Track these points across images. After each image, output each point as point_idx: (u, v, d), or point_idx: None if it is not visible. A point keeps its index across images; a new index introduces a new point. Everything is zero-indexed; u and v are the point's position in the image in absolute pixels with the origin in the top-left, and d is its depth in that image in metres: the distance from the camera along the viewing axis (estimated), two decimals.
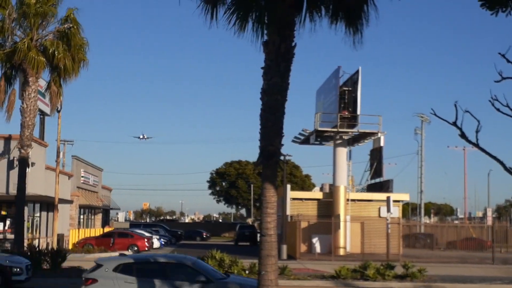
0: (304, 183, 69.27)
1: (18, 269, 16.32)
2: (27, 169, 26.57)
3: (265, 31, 10.64)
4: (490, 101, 8.28)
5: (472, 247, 40.41)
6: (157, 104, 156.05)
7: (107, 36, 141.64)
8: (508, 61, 7.85)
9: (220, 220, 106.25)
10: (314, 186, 58.11)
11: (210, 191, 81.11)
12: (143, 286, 11.62)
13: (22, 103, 25.68)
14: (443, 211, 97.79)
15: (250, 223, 63.83)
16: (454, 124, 8.66)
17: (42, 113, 31.82)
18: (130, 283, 11.39)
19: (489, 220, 50.44)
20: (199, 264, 13.04)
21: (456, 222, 70.76)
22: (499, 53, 8.07)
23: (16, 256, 18.48)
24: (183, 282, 11.80)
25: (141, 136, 71.26)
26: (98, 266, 12.10)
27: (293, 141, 40.25)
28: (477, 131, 8.61)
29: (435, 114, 9.26)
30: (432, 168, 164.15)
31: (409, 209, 65.84)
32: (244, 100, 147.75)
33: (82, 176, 45.03)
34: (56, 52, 25.49)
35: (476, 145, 8.72)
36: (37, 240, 31.18)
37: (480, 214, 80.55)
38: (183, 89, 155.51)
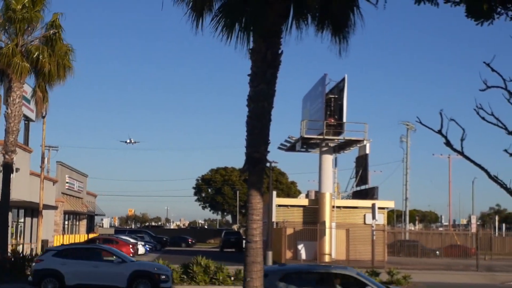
0: (289, 190, 70.02)
1: (164, 277, 17.76)
2: (12, 174, 26.23)
3: (252, 39, 10.62)
4: (475, 109, 8.38)
5: (457, 254, 40.84)
6: (144, 111, 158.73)
7: (94, 43, 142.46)
8: (493, 70, 8.11)
9: (206, 227, 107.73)
10: (299, 193, 58.77)
11: (195, 197, 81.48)
12: None
13: (7, 108, 25.62)
14: (428, 218, 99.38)
15: (236, 229, 64.34)
16: (439, 132, 8.74)
17: (27, 119, 31.86)
18: None
19: (474, 228, 50.90)
20: (363, 275, 13.03)
21: (440, 229, 71.53)
22: (484, 62, 8.28)
23: (161, 264, 20.21)
24: None
25: (128, 141, 71.89)
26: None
27: (279, 148, 40.47)
28: (462, 139, 8.67)
29: (420, 122, 9.32)
30: (417, 176, 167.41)
31: (394, 216, 66.76)
32: (231, 107, 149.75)
33: (67, 182, 45.37)
34: (40, 57, 25.42)
35: (461, 153, 8.82)
36: (21, 246, 31.23)
37: (464, 221, 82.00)
38: (170, 96, 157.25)
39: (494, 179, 8.16)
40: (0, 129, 27.11)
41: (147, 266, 20.35)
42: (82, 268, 18.42)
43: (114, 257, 19.15)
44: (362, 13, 10.49)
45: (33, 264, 19.41)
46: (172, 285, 18.65)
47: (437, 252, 43.59)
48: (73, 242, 38.91)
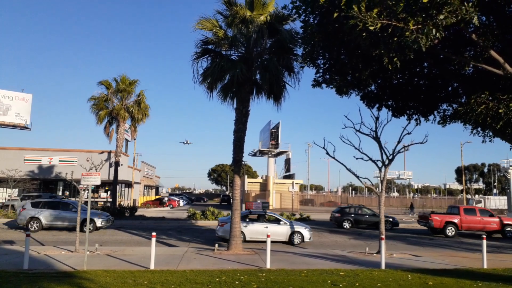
0: (253, 175, 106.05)
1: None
2: (118, 167, 38.34)
3: (235, 102, 16.65)
4: (340, 138, 16.38)
5: (331, 205, 69.12)
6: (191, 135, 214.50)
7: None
8: (348, 119, 20.47)
9: (213, 192, 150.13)
10: (258, 176, 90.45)
11: (208, 178, 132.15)
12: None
13: (117, 134, 37.94)
14: (318, 187, 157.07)
15: (228, 193, 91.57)
16: (323, 148, 16.63)
17: (126, 140, 49.17)
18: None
19: (339, 192, 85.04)
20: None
21: (324, 193, 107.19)
22: (345, 116, 21.00)
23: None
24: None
25: (186, 141, 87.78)
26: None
27: (249, 154, 63.91)
28: (334, 151, 17.14)
29: (314, 143, 18.19)
30: (315, 167, 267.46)
31: (302, 187, 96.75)
32: (227, 134, 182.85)
33: (145, 171, 63.61)
34: (133, 111, 37.87)
35: (333, 157, 16.73)
36: (123, 202, 47.65)
37: (335, 189, 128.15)
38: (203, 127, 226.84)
39: (349, 170, 16.45)
40: (113, 144, 38.90)
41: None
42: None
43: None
44: (289, 92, 16.75)
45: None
46: None
47: (322, 203, 71.44)
48: (146, 200, 57.88)
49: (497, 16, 11.30)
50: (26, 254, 12.26)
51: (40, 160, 46.76)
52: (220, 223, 20.33)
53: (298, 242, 20.33)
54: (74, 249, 15.58)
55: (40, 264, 12.85)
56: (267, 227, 20.18)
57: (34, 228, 23.06)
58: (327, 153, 17.30)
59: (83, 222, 22.06)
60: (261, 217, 21.03)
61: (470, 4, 9.08)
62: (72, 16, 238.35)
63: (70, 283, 10.19)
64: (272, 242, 17.54)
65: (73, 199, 41.38)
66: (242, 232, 19.40)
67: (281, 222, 20.74)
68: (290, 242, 20.28)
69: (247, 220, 20.52)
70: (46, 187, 48.30)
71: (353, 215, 31.20)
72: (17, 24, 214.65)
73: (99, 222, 23.82)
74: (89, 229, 21.77)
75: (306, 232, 20.49)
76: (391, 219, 31.33)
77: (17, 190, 40.18)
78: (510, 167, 52.65)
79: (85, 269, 12.02)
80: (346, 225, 30.74)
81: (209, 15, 16.90)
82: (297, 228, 20.55)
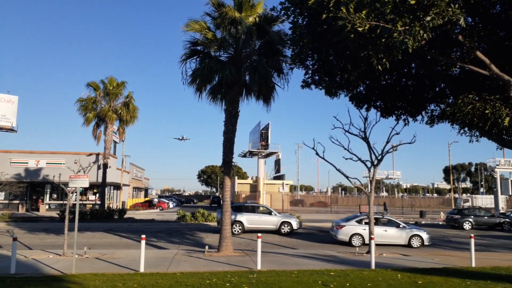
0: (243, 176, 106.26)
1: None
2: (107, 169, 38.61)
3: (224, 104, 16.62)
4: (330, 139, 16.63)
5: (321, 205, 69.58)
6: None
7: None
8: (337, 120, 16.92)
9: (203, 194, 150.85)
10: (248, 177, 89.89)
11: (198, 179, 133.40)
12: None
13: (105, 136, 38.37)
14: (308, 188, 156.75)
15: (218, 195, 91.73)
16: (313, 148, 16.72)
17: (115, 142, 49.59)
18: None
19: (329, 192, 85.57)
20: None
21: (314, 193, 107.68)
22: (334, 116, 21.52)
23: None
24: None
25: (181, 137, 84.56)
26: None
27: (238, 155, 63.98)
28: (323, 152, 17.79)
29: (304, 143, 20.96)
30: (305, 168, 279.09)
31: (293, 188, 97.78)
32: (217, 135, 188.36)
33: (134, 173, 63.61)
34: (121, 113, 38.04)
35: (323, 157, 16.77)
36: (111, 204, 48.21)
37: (325, 189, 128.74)
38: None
39: (339, 170, 16.54)
40: (101, 146, 39.37)
41: None
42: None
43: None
44: (278, 93, 16.91)
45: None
46: None
47: (312, 204, 72.11)
48: (137, 202, 58.38)
49: (483, 17, 11.45)
50: (13, 258, 12.08)
51: (27, 163, 46.37)
52: (337, 225, 20.66)
53: (418, 245, 20.34)
54: (62, 253, 15.39)
55: (27, 268, 12.67)
56: (386, 231, 20.33)
57: (237, 231, 24.14)
58: (317, 153, 17.40)
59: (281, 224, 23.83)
60: (378, 221, 20.90)
61: (457, 5, 9.19)
62: (59, 19, 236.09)
63: (58, 287, 10.05)
64: (390, 245, 19.34)
65: (73, 201, 40.65)
66: (361, 235, 20.00)
67: (400, 226, 20.82)
68: (409, 245, 20.29)
69: (363, 223, 20.65)
70: (34, 190, 47.84)
71: (472, 216, 32.42)
72: (2, 26, 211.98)
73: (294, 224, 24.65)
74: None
75: (425, 235, 20.51)
76: (508, 220, 32.19)
77: (3, 193, 39.53)
78: (497, 166, 53.40)
79: (74, 272, 11.88)
80: (467, 226, 32.01)
81: (197, 18, 16.82)
82: (416, 231, 20.55)
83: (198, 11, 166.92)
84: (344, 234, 20.07)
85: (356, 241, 20.13)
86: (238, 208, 24.74)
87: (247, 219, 20.78)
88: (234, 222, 23.81)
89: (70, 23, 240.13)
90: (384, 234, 20.13)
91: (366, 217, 20.64)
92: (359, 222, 20.55)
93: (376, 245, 19.24)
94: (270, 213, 20.82)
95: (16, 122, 47.16)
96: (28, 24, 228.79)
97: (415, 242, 20.26)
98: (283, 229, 22.60)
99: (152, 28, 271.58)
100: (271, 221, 23.25)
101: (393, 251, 18.70)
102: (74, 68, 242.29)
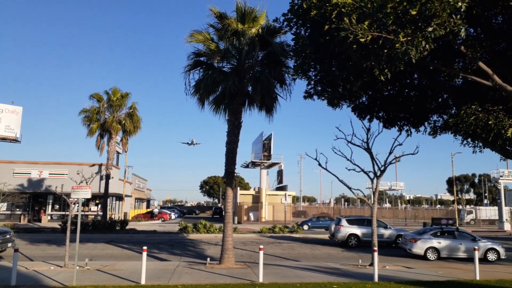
0: (246, 187, 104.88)
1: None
2: (109, 180, 37.49)
3: (227, 114, 16.40)
4: (332, 149, 16.64)
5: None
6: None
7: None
8: (340, 130, 22.45)
9: (205, 205, 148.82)
10: (250, 187, 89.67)
11: (200, 190, 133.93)
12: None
13: (108, 147, 37.18)
14: (311, 199, 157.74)
15: (220, 206, 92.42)
16: (315, 159, 15.99)
17: (117, 153, 49.14)
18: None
19: (332, 204, 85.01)
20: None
21: (316, 205, 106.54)
22: (336, 127, 17.81)
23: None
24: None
25: (191, 142, 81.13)
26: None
27: (241, 166, 63.33)
28: (326, 162, 16.60)
29: (306, 154, 19.23)
30: (307, 178, 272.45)
31: (295, 199, 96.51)
32: (220, 146, 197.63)
33: (137, 183, 63.00)
34: (125, 123, 37.14)
35: (325, 168, 16.34)
36: (113, 215, 47.76)
37: (328, 201, 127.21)
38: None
39: (341, 181, 16.27)
40: (104, 157, 38.83)
41: None
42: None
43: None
44: (280, 103, 17.28)
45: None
46: None
47: (315, 215, 70.63)
48: (138, 213, 57.18)
49: (485, 28, 11.46)
50: (14, 269, 11.99)
51: (30, 174, 46.12)
52: (410, 238, 20.62)
53: (494, 259, 20.18)
54: (63, 264, 15.28)
55: (28, 280, 12.57)
56: (461, 244, 20.24)
57: (353, 244, 25.39)
58: (319, 164, 17.22)
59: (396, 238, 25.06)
60: (452, 234, 20.85)
61: (458, 16, 9.20)
62: (63, 29, 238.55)
63: None
64: (465, 259, 19.51)
65: (75, 212, 40.34)
66: (436, 248, 19.96)
67: (477, 240, 20.72)
68: (485, 259, 20.08)
69: (438, 235, 20.63)
70: (36, 201, 47.73)
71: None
72: (6, 35, 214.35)
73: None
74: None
75: (501, 249, 20.33)
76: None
77: (5, 204, 39.42)
78: (500, 178, 53.05)
79: (75, 284, 11.78)
80: None
81: (201, 29, 16.92)
82: (491, 245, 20.38)
83: (202, 22, 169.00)
84: (419, 247, 20.09)
85: (431, 255, 20.13)
86: (352, 221, 26.27)
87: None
88: (350, 235, 25.60)
89: (77, 32, 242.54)
90: (460, 247, 20.13)
91: (440, 230, 20.92)
92: (435, 235, 20.64)
93: (452, 258, 19.71)
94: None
95: (20, 133, 47.11)
96: (32, 33, 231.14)
97: (491, 256, 20.16)
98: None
99: (161, 35, 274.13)
100: (386, 234, 25.00)
101: (399, 264, 18.47)
102: (78, 78, 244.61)
